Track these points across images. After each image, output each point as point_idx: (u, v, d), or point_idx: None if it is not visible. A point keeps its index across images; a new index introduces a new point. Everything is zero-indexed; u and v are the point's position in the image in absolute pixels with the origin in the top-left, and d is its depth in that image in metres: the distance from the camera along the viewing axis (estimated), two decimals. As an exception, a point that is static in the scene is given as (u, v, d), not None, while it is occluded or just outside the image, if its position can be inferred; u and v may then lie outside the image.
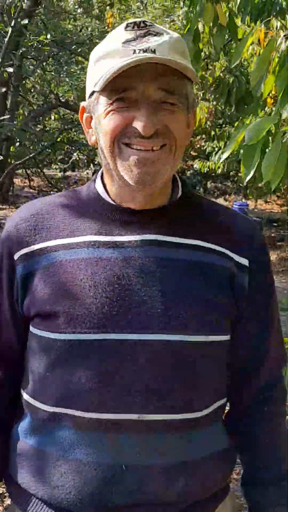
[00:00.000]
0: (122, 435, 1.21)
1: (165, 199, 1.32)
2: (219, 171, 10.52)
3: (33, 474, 1.28)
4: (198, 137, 11.48)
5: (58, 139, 11.37)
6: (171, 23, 10.93)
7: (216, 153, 10.10)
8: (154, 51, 1.16)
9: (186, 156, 12.34)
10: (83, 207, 1.32)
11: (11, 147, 5.51)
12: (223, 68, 4.85)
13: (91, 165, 15.19)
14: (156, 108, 1.18)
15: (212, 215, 1.36)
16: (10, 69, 4.60)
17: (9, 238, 1.32)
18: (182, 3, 4.51)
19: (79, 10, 9.03)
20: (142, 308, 1.22)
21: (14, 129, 4.15)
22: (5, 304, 1.33)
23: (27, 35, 4.79)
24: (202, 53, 3.98)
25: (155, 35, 1.19)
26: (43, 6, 4.57)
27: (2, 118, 4.74)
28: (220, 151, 10.08)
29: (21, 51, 4.88)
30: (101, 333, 1.21)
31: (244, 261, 1.32)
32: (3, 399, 1.38)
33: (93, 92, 1.24)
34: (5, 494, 1.30)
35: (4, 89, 4.32)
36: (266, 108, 4.85)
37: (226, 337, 1.30)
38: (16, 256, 1.30)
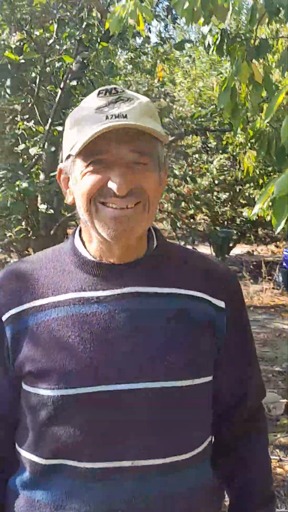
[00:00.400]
0: (116, 482, 1.27)
1: (141, 251, 1.39)
2: (268, 218, 10.53)
3: None
4: (247, 185, 11.56)
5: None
6: (218, 75, 11.20)
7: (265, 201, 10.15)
8: (125, 116, 1.24)
9: (235, 204, 12.41)
10: (64, 264, 1.39)
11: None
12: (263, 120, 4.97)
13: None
14: (129, 169, 1.26)
15: (187, 262, 1.44)
16: (60, 128, 4.84)
17: None
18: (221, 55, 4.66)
19: (129, 67, 9.34)
20: (129, 358, 1.28)
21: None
22: None
23: (76, 95, 5.05)
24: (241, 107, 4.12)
25: (126, 101, 1.27)
26: (90, 68, 4.82)
27: (53, 174, 4.95)
28: (268, 199, 10.12)
29: (70, 110, 5.14)
30: (92, 386, 1.26)
31: (221, 303, 1.39)
32: (2, 456, 1.43)
33: (69, 155, 1.32)
34: None
35: (53, 148, 4.53)
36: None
37: (209, 378, 1.37)
38: (4, 318, 1.35)
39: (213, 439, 1.48)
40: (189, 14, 3.22)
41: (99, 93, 1.30)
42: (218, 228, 12.22)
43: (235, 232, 13.12)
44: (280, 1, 3.42)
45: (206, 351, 1.36)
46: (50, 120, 4.77)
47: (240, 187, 11.83)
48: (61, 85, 4.69)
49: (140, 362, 1.28)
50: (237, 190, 11.96)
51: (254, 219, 11.12)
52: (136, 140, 1.26)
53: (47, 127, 4.71)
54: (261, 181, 10.27)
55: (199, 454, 1.37)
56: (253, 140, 4.70)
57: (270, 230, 13.90)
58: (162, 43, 8.13)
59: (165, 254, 1.42)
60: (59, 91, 4.77)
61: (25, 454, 1.37)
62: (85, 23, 4.61)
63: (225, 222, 12.93)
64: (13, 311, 1.35)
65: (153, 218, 1.38)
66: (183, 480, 1.33)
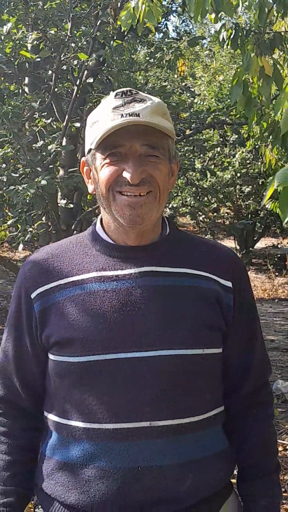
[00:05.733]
0: (136, 441, 1.40)
1: (156, 236, 1.54)
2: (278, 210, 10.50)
3: (61, 484, 1.47)
4: (270, 178, 11.53)
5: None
6: (238, 69, 11.18)
7: None
8: (138, 115, 1.41)
9: (259, 197, 12.39)
10: (87, 248, 1.55)
11: (87, 196, 5.80)
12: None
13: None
14: (142, 161, 1.43)
15: (197, 247, 1.58)
16: (77, 124, 4.92)
17: (26, 281, 1.54)
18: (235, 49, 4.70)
19: (151, 60, 9.31)
20: (145, 329, 1.43)
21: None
22: (26, 341, 1.53)
23: (93, 92, 5.13)
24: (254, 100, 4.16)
25: (139, 101, 1.44)
26: (106, 65, 4.91)
27: (72, 169, 5.02)
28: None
29: (88, 106, 5.21)
30: (112, 353, 1.41)
31: (228, 283, 1.53)
32: (33, 423, 1.58)
33: (90, 150, 1.49)
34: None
35: (72, 146, 4.63)
36: None
37: (219, 350, 1.50)
38: (33, 295, 1.51)
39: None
40: (197, 10, 3.28)
41: (116, 94, 1.47)
42: (242, 221, 12.22)
43: (258, 224, 13.09)
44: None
45: (215, 325, 1.49)
46: (67, 117, 4.86)
47: (263, 180, 11.81)
48: (77, 82, 4.77)
49: (155, 332, 1.43)
50: (260, 183, 11.94)
51: (277, 211, 11.14)
52: (147, 135, 1.42)
53: (64, 123, 4.80)
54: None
55: (211, 418, 1.50)
56: (266, 133, 4.72)
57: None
58: (178, 38, 8.16)
59: (177, 239, 1.58)
60: (75, 88, 4.84)
61: (53, 418, 1.51)
62: (99, 21, 4.69)
63: (249, 215, 12.91)
64: (41, 289, 1.51)
65: (164, 207, 1.53)
66: (198, 441, 1.46)
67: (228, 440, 1.57)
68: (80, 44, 4.36)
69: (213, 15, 3.59)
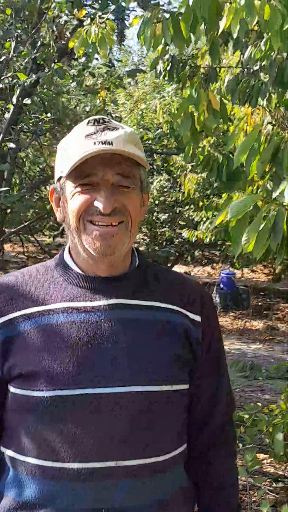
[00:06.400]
0: (100, 482, 1.36)
1: (126, 267, 1.52)
2: (207, 240, 10.73)
3: None
4: (187, 207, 11.74)
5: (48, 207, 11.67)
6: (161, 99, 11.39)
7: (204, 223, 10.34)
8: (111, 143, 1.38)
9: (174, 225, 12.58)
10: (54, 277, 1.51)
11: (6, 216, 5.69)
12: (211, 143, 5.09)
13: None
14: (114, 190, 1.41)
15: (166, 279, 1.57)
16: (12, 145, 4.83)
17: None
18: (172, 81, 4.79)
19: (72, 84, 9.31)
20: (113, 364, 1.39)
21: (14, 200, 4.35)
22: None
23: (27, 112, 5.06)
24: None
25: (112, 130, 1.42)
26: (42, 85, 4.87)
27: (1, 189, 4.92)
28: (208, 221, 10.35)
29: (19, 126, 5.13)
30: (78, 388, 1.37)
31: (197, 318, 1.52)
32: None
33: (60, 177, 1.46)
34: None
35: (8, 165, 4.53)
36: (253, 185, 5.10)
37: (186, 386, 1.48)
38: None
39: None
40: (148, 42, 3.30)
41: (88, 122, 1.45)
42: (157, 248, 12.38)
43: (173, 252, 13.29)
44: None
45: (184, 360, 1.48)
46: (1, 136, 4.76)
47: (180, 208, 12.01)
48: (14, 101, 4.69)
49: (123, 367, 1.40)
50: (177, 212, 12.13)
51: (193, 240, 11.35)
52: (120, 164, 1.40)
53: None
54: (201, 203, 10.48)
55: (176, 457, 1.48)
56: (199, 164, 4.82)
57: (208, 252, 14.15)
58: (110, 65, 8.23)
59: (147, 271, 1.56)
60: (11, 107, 4.76)
61: (11, 454, 1.44)
62: (39, 43, 4.64)
63: (164, 243, 13.08)
64: (5, 318, 1.45)
65: (134, 238, 1.51)
66: (164, 480, 1.44)
67: (189, 478, 1.55)
68: (22, 64, 4.29)
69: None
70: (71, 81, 9.16)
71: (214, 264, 14.85)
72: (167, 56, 4.44)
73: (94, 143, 1.38)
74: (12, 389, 1.42)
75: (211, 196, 10.21)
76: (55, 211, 1.53)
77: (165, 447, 1.45)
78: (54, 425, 1.37)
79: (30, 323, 1.43)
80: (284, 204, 2.64)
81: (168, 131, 9.77)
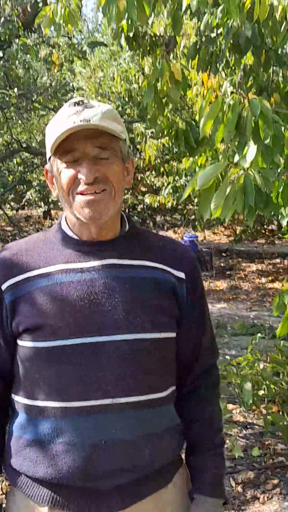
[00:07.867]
0: (99, 417, 1.56)
1: (116, 232, 1.69)
2: (169, 205, 10.91)
3: (30, 460, 1.60)
4: (148, 173, 11.89)
5: (11, 179, 11.75)
6: (118, 66, 11.45)
7: (165, 188, 10.53)
8: (89, 120, 1.54)
9: (136, 192, 12.73)
10: (53, 243, 1.68)
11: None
12: (169, 108, 5.24)
13: (42, 204, 15.47)
14: (95, 161, 1.56)
15: (153, 242, 1.76)
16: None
17: None
18: (127, 47, 4.96)
19: (28, 56, 9.30)
20: (108, 316, 1.58)
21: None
22: None
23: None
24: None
25: (90, 108, 1.57)
26: (7, 60, 4.96)
27: None
28: (169, 186, 10.54)
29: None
30: (78, 338, 1.56)
31: (182, 275, 1.70)
32: (1, 404, 1.70)
33: (50, 157, 1.63)
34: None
35: None
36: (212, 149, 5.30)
37: (173, 334, 1.68)
38: (4, 287, 1.63)
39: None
40: (111, 16, 3.45)
41: (69, 105, 1.60)
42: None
43: (136, 218, 13.46)
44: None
45: (170, 312, 1.66)
46: None
47: (141, 175, 12.15)
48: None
49: (116, 319, 1.58)
50: (139, 178, 12.27)
51: (156, 206, 11.53)
52: (97, 138, 1.56)
53: None
54: (161, 169, 10.66)
55: (168, 396, 1.68)
56: (165, 134, 5.00)
57: (170, 217, 14.35)
58: (70, 37, 8.28)
59: (136, 234, 1.73)
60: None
61: (21, 400, 1.63)
62: (2, 19, 4.73)
63: (127, 210, 13.24)
64: (11, 281, 1.63)
65: (121, 203, 1.67)
66: (155, 416, 1.63)
67: (178, 416, 1.74)
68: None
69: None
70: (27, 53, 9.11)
71: (176, 228, 15.10)
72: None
73: (74, 122, 1.53)
74: (20, 342, 1.60)
75: (171, 162, 10.37)
76: (51, 189, 1.70)
77: (156, 387, 1.63)
78: (57, 370, 1.55)
79: (33, 284, 1.60)
80: (246, 167, 2.86)
81: (128, 99, 9.87)
